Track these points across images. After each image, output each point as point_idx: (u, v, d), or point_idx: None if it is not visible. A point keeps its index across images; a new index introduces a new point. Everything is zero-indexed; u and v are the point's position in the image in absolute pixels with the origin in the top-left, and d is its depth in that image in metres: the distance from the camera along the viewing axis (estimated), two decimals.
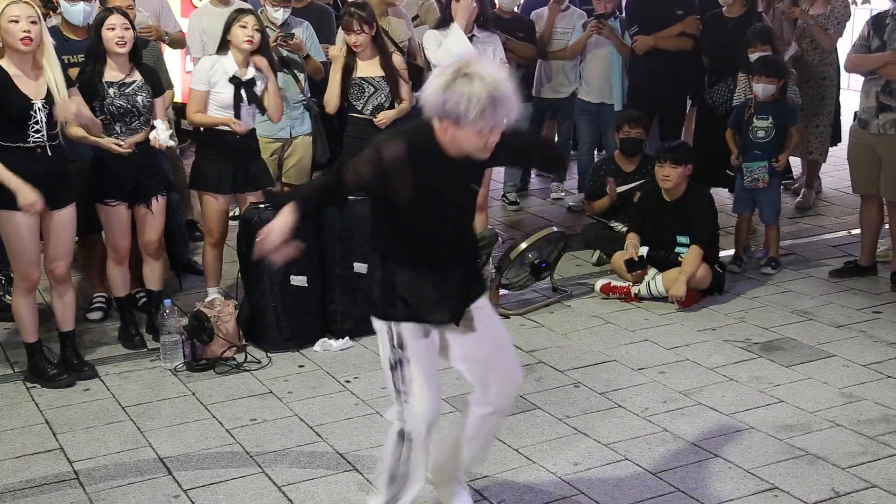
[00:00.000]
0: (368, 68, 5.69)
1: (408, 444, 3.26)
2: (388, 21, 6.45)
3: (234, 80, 5.15)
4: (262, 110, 5.31)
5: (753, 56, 6.22)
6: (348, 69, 5.70)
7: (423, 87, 3.04)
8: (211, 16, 6.15)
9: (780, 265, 6.25)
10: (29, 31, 4.30)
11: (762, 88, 6.02)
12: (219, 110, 5.19)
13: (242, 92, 5.17)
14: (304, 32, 6.16)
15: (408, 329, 3.19)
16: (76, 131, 4.69)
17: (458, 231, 3.28)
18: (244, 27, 5.12)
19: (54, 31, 5.26)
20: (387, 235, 3.22)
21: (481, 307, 3.34)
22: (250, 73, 5.20)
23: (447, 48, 5.68)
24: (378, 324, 3.26)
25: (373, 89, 5.70)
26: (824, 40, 6.95)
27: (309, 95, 6.21)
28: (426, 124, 3.07)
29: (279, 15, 5.97)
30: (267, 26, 5.77)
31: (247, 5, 5.82)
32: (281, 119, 5.57)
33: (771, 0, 7.29)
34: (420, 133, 3.09)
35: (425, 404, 3.22)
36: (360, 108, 5.71)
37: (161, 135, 4.88)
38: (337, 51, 5.77)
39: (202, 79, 5.21)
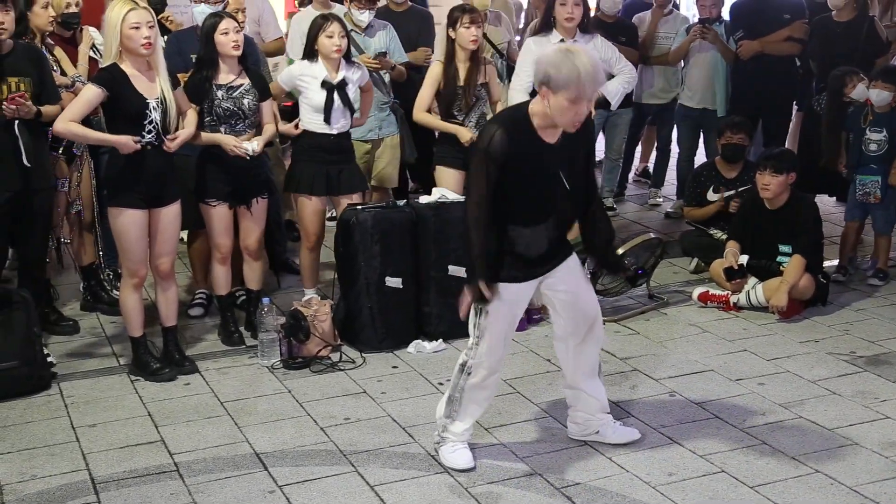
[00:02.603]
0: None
1: (465, 377, 3.84)
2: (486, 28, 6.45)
3: (326, 84, 5.23)
4: (353, 112, 5.38)
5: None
6: (453, 78, 5.57)
7: (536, 59, 3.61)
8: (312, 19, 6.24)
9: (889, 277, 6.04)
10: (149, 37, 4.46)
11: (877, 94, 5.82)
12: (312, 114, 5.27)
13: (335, 95, 5.24)
14: (386, 35, 6.21)
15: (500, 289, 3.68)
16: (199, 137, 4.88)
17: (558, 204, 3.75)
18: (331, 37, 5.18)
19: (191, 33, 5.46)
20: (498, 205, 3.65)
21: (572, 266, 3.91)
22: (340, 75, 5.27)
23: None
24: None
25: (474, 99, 5.66)
26: None
27: (393, 98, 6.26)
28: (519, 109, 3.69)
29: (364, 17, 6.04)
30: (352, 29, 5.87)
31: (340, 9, 5.89)
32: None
33: (887, 5, 7.05)
34: (513, 118, 3.69)
35: (489, 353, 3.79)
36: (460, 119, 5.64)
37: (247, 146, 4.97)
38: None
39: (286, 81, 5.36)
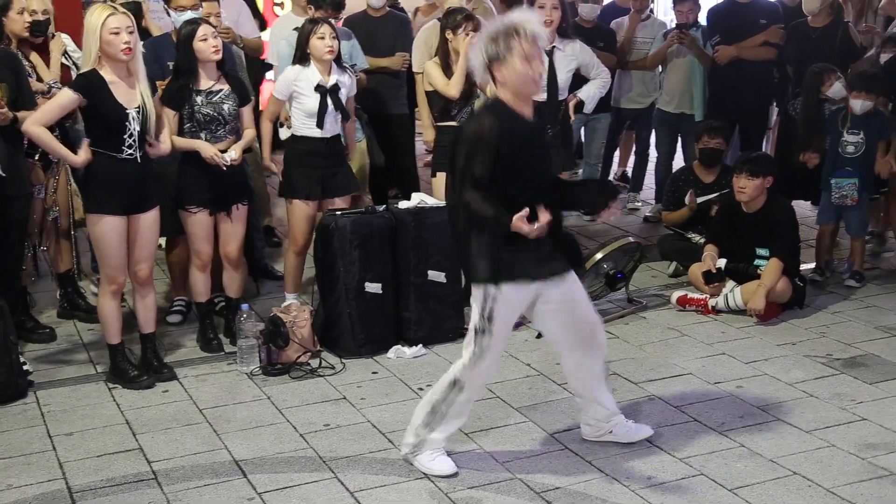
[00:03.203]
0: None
1: (457, 392, 3.79)
2: None
3: (320, 88, 5.22)
4: (347, 117, 5.38)
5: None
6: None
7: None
8: (292, 25, 6.23)
9: (865, 279, 6.09)
10: (129, 42, 4.44)
11: (860, 105, 5.86)
12: (304, 120, 5.26)
13: (328, 99, 5.24)
14: (350, 44, 6.19)
15: (501, 304, 3.64)
16: (173, 140, 4.86)
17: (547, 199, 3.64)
18: (322, 38, 5.19)
19: (167, 40, 5.41)
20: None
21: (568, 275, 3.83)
22: (333, 79, 5.27)
23: None
24: (476, 291, 3.70)
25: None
26: None
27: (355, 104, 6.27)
28: (489, 100, 3.69)
29: None
30: None
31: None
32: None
33: (861, 11, 7.12)
34: (489, 106, 3.68)
35: (487, 371, 3.80)
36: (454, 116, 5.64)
37: (225, 156, 4.94)
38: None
39: (283, 90, 5.31)
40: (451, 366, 3.90)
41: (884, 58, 6.25)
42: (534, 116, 3.72)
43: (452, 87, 5.54)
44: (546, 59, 3.62)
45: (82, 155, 4.50)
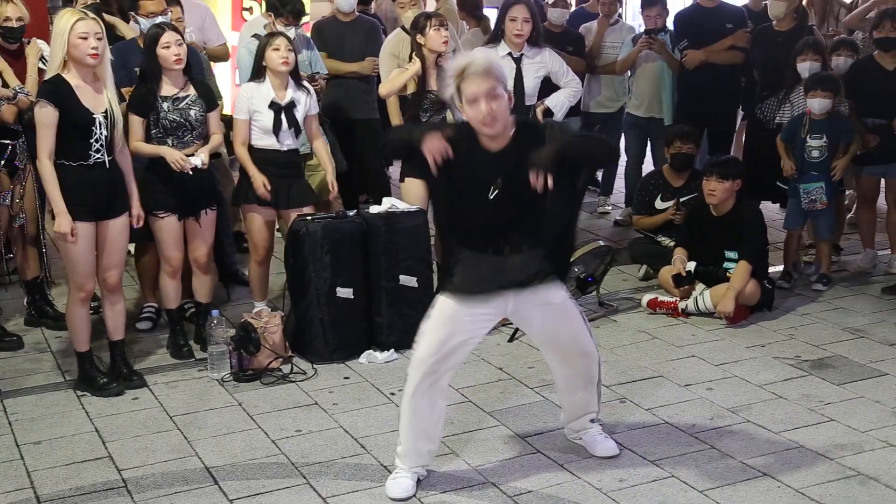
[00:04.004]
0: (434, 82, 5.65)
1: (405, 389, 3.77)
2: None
3: (274, 105, 5.20)
4: (298, 133, 5.35)
5: (803, 65, 6.13)
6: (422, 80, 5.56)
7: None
8: (261, 29, 6.22)
9: (832, 281, 6.16)
10: (97, 48, 4.40)
11: (818, 103, 5.93)
12: (261, 135, 5.23)
13: (283, 116, 5.22)
14: (309, 51, 6.19)
15: (448, 303, 3.66)
16: (139, 147, 4.85)
17: (506, 219, 3.61)
18: (277, 49, 5.16)
19: (133, 45, 5.38)
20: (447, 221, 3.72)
21: (552, 304, 3.75)
22: (288, 95, 5.24)
23: None
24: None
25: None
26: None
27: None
28: (464, 121, 3.64)
29: (290, 33, 6.00)
30: None
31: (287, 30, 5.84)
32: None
33: (823, 15, 7.21)
34: (460, 124, 3.71)
35: (422, 352, 3.69)
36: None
37: (193, 160, 4.92)
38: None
39: (242, 108, 5.27)
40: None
41: (836, 61, 6.33)
42: (504, 150, 3.58)
43: (382, 87, 5.67)
44: (500, 95, 3.52)
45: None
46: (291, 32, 5.97)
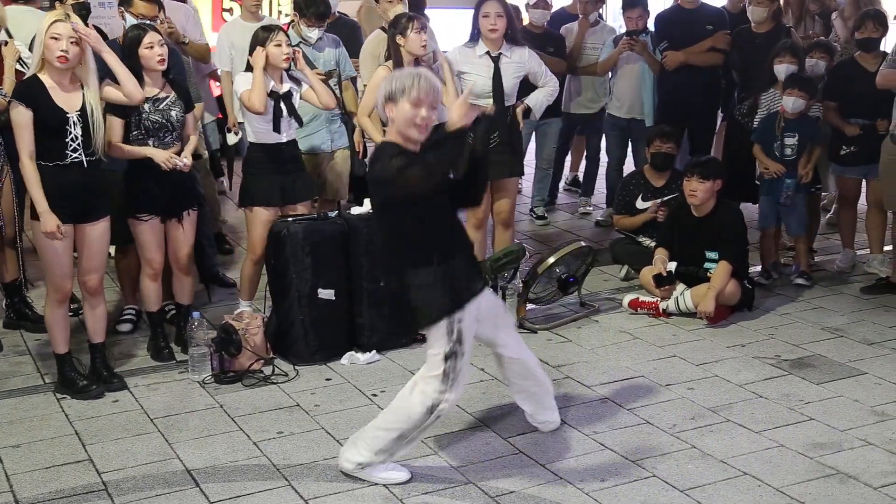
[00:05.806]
0: None
1: (434, 419, 3.80)
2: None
3: (273, 94, 5.19)
4: (300, 123, 5.36)
5: (780, 67, 6.16)
6: None
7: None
8: (240, 30, 6.22)
9: (813, 278, 6.20)
10: (66, 52, 4.37)
11: (792, 102, 5.97)
12: (262, 131, 5.22)
13: (282, 105, 5.21)
14: (337, 51, 6.21)
15: (466, 322, 3.73)
16: (123, 149, 4.82)
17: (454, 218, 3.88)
18: (279, 45, 5.15)
19: (114, 45, 5.32)
20: (414, 241, 3.74)
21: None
22: (286, 86, 5.25)
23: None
24: (437, 329, 3.74)
25: None
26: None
27: (342, 111, 6.26)
28: (382, 143, 3.80)
29: (314, 34, 6.02)
30: (301, 42, 5.88)
31: (276, 22, 5.87)
32: (335, 103, 5.61)
33: (800, 17, 7.26)
34: (385, 144, 3.75)
35: (460, 393, 3.84)
36: None
37: (178, 161, 4.92)
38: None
39: (240, 89, 5.24)
40: (407, 392, 3.82)
41: (810, 63, 6.37)
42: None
43: (361, 115, 5.67)
44: (438, 113, 3.77)
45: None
46: (315, 33, 5.99)
